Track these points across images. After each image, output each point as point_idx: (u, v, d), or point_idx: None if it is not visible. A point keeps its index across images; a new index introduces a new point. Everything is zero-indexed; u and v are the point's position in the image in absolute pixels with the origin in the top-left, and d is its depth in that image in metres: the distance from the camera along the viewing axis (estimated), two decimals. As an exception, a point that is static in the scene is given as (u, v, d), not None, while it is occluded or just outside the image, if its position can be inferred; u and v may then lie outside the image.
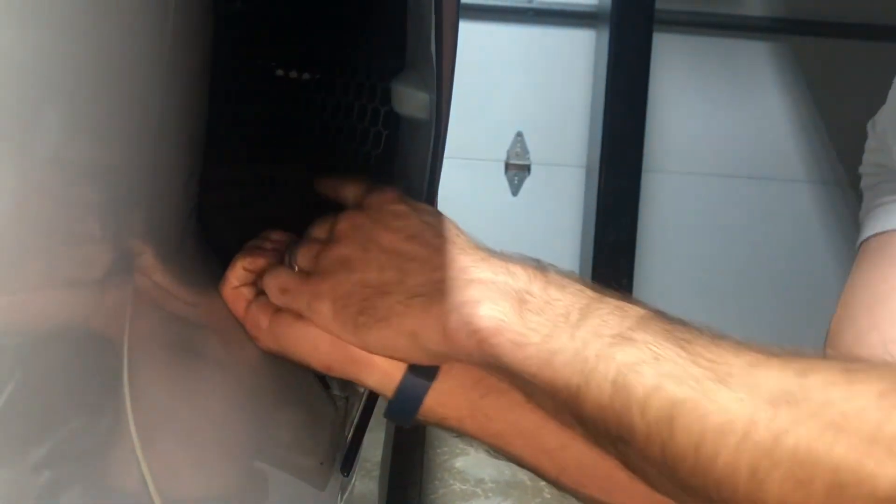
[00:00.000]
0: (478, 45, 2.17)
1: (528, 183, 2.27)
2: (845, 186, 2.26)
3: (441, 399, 0.46)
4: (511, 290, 0.39)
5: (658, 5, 2.05)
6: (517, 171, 2.26)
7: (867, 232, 0.57)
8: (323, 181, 0.51)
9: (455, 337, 0.39)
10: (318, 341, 0.45)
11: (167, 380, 0.38)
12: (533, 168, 2.26)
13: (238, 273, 0.47)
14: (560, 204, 2.26)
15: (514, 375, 0.39)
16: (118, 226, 0.33)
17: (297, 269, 0.46)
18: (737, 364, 0.33)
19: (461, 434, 0.48)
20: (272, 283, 0.46)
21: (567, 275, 0.41)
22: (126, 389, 0.33)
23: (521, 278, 0.40)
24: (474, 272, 0.41)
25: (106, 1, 0.28)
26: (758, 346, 0.34)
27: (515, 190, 2.28)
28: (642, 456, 0.34)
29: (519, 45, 2.21)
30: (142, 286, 0.36)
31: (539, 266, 0.41)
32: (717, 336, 0.35)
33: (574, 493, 0.48)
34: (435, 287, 0.41)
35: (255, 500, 0.41)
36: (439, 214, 0.46)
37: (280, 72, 0.54)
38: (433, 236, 0.43)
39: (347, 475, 0.49)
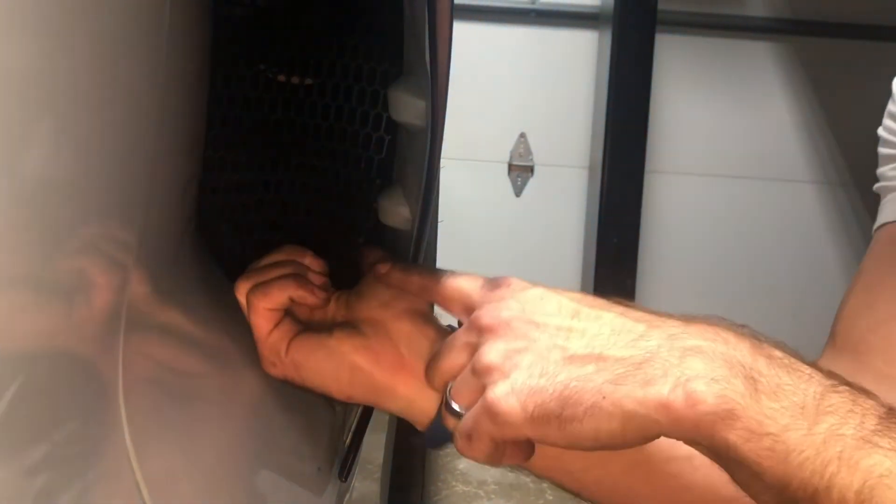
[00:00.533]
0: (480, 47, 2.17)
1: (532, 184, 2.27)
2: (849, 187, 2.25)
3: None
4: (738, 364, 0.35)
5: (661, 6, 2.04)
6: (520, 172, 2.26)
7: (888, 217, 0.56)
8: (410, 279, 0.46)
9: (680, 417, 0.34)
10: (341, 371, 0.45)
11: (162, 386, 0.38)
12: (536, 169, 2.26)
13: (282, 298, 0.45)
14: (563, 205, 2.26)
15: (738, 464, 0.34)
16: (116, 232, 0.34)
17: (457, 407, 0.40)
18: None
19: None
20: (242, 287, 0.45)
21: (782, 348, 0.37)
22: (121, 396, 0.33)
23: (743, 351, 0.36)
24: (687, 339, 0.36)
25: (102, 7, 0.28)
26: None
27: (518, 191, 2.28)
28: None
29: (521, 46, 2.21)
30: (139, 293, 0.36)
31: (752, 335, 0.37)
32: None
33: (592, 502, 0.48)
34: (645, 358, 0.36)
35: (252, 506, 0.41)
36: (577, 292, 0.41)
37: (281, 77, 0.54)
38: (598, 308, 0.39)
39: (345, 480, 0.49)
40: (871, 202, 0.59)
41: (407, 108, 0.46)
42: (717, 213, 2.27)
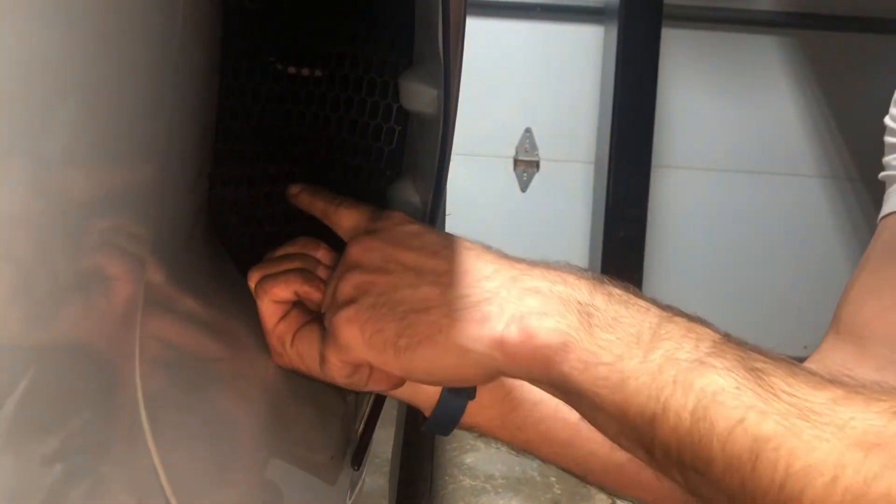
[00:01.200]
0: (486, 42, 2.17)
1: (537, 179, 2.27)
2: (856, 181, 2.25)
3: (473, 411, 0.46)
4: (574, 301, 0.36)
5: (666, 0, 2.04)
6: (526, 167, 2.26)
7: (893, 206, 0.56)
8: (315, 202, 0.48)
9: (515, 352, 0.36)
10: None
11: (178, 376, 0.38)
12: (542, 164, 2.26)
13: (287, 293, 0.45)
14: (569, 200, 2.26)
15: (578, 395, 0.36)
16: (128, 224, 0.34)
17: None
18: (818, 400, 0.31)
19: (488, 437, 0.49)
20: (254, 277, 0.46)
21: (625, 287, 0.38)
22: (138, 385, 0.34)
23: (581, 289, 0.37)
24: (528, 280, 0.37)
25: (118, 1, 0.29)
26: (834, 380, 0.32)
27: (524, 186, 2.28)
28: (717, 487, 0.33)
29: (527, 41, 2.21)
30: (152, 283, 0.36)
31: (595, 277, 0.38)
32: (791, 365, 0.33)
33: (599, 487, 0.48)
34: (485, 297, 0.37)
35: (267, 494, 0.42)
36: (450, 234, 0.43)
37: (291, 69, 0.54)
38: (457, 250, 0.40)
39: (358, 469, 0.49)
40: (878, 196, 0.59)
41: (419, 96, 0.46)
42: (723, 207, 2.26)
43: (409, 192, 0.50)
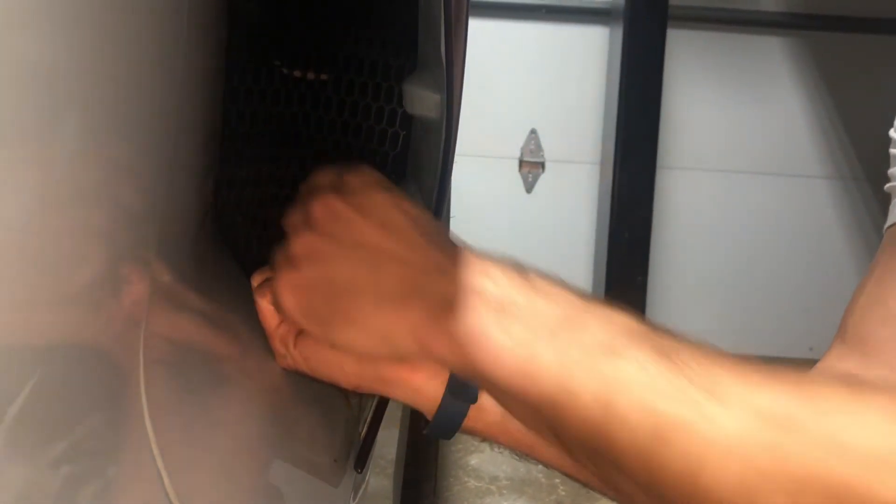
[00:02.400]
0: (491, 43, 2.17)
1: (543, 180, 2.27)
2: (861, 182, 2.24)
3: (474, 415, 0.47)
4: (491, 297, 0.37)
5: (672, 1, 2.04)
6: (531, 168, 2.26)
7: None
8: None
9: (430, 344, 0.38)
10: (343, 362, 0.46)
11: (182, 379, 0.38)
12: (547, 165, 2.26)
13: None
14: (574, 201, 2.26)
15: (491, 385, 0.37)
16: (134, 227, 0.34)
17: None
18: (730, 382, 0.31)
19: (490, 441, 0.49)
20: (256, 279, 0.46)
21: (553, 281, 0.38)
22: (142, 388, 0.34)
23: (502, 284, 0.38)
24: (452, 276, 0.39)
25: (121, 3, 0.29)
26: (749, 363, 0.32)
27: (529, 187, 2.28)
28: (626, 473, 0.33)
29: (532, 42, 2.21)
30: (157, 287, 0.37)
31: (521, 271, 0.39)
32: (706, 350, 0.33)
33: (604, 494, 0.49)
34: (410, 289, 0.38)
35: (270, 498, 0.42)
36: (419, 206, 0.43)
37: (296, 73, 0.55)
38: (413, 230, 0.40)
39: (361, 472, 0.49)
40: (885, 197, 0.59)
41: (422, 101, 0.46)
42: (728, 208, 2.26)
43: (412, 196, 0.50)
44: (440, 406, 0.45)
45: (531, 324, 0.36)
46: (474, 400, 0.46)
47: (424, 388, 0.47)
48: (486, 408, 0.47)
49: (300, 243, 0.41)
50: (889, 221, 0.56)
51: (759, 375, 0.32)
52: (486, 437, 0.49)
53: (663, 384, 0.32)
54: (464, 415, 0.46)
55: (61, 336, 0.28)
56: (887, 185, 0.58)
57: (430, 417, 0.48)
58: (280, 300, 0.41)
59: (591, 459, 0.34)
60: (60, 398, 0.28)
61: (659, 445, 0.31)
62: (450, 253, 0.40)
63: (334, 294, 0.40)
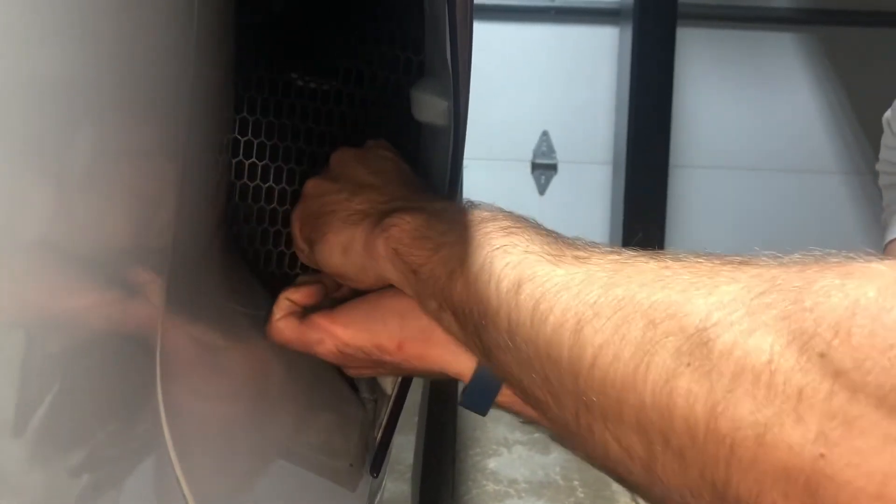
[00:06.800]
0: (501, 46, 2.17)
1: (555, 182, 2.27)
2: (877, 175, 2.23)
3: (507, 389, 0.47)
4: (431, 208, 0.43)
5: (681, -1, 2.04)
6: (544, 170, 2.26)
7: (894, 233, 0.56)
8: None
9: (372, 245, 0.42)
10: (387, 318, 0.47)
11: (198, 386, 0.39)
12: (559, 166, 2.26)
13: (282, 304, 0.48)
14: (588, 202, 2.25)
15: (408, 269, 0.41)
16: (149, 236, 0.34)
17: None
18: (598, 256, 0.35)
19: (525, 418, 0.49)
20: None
21: (493, 206, 0.43)
22: (160, 396, 0.34)
23: (443, 202, 0.44)
24: (410, 200, 0.44)
25: (130, 16, 0.29)
26: (628, 252, 0.35)
27: (542, 189, 2.28)
28: (494, 336, 0.36)
29: (542, 44, 2.21)
30: (173, 295, 0.37)
31: (475, 203, 0.44)
32: (600, 245, 0.37)
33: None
34: (374, 209, 0.44)
35: (287, 502, 0.42)
36: (411, 170, 0.49)
37: (302, 82, 0.55)
38: (397, 175, 0.47)
39: (376, 476, 0.49)
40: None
41: (429, 107, 0.46)
42: (742, 205, 2.25)
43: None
44: (473, 375, 0.45)
45: (454, 225, 0.41)
46: None
47: (463, 356, 0.46)
48: None
49: (312, 183, 0.48)
50: (888, 237, 0.56)
51: (627, 254, 0.35)
52: (522, 413, 0.48)
53: (536, 249, 0.36)
54: (498, 386, 0.46)
55: (78, 348, 0.28)
56: (880, 181, 0.57)
57: (465, 381, 0.47)
58: (292, 230, 0.48)
59: (477, 335, 0.38)
60: (82, 409, 0.28)
61: (515, 295, 0.35)
62: (417, 188, 0.46)
63: (319, 216, 0.46)
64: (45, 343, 0.26)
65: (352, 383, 0.53)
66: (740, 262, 0.32)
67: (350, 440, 0.50)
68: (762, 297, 0.28)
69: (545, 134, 2.25)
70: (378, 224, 0.43)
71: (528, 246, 0.37)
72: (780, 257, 0.31)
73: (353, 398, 0.51)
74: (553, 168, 2.26)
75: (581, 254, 0.35)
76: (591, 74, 2.20)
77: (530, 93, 2.22)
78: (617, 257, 0.34)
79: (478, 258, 0.38)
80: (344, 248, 0.44)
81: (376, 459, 0.50)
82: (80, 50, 0.25)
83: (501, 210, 0.42)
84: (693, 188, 2.23)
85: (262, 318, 0.48)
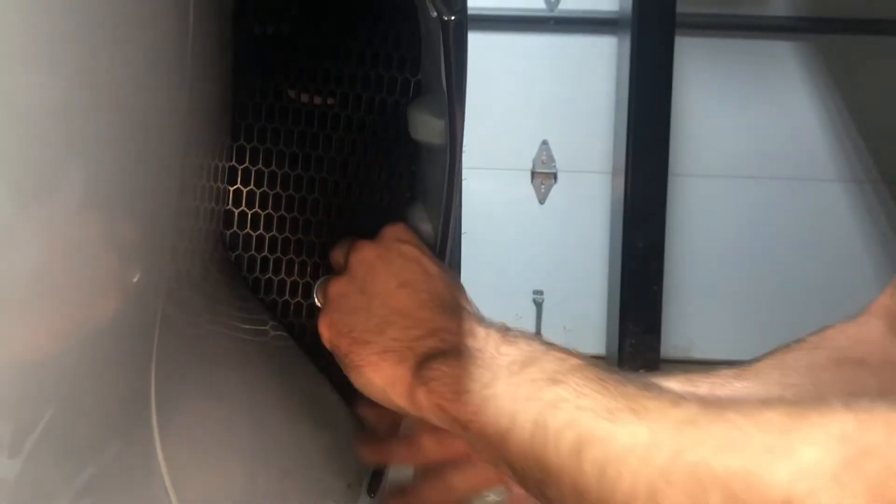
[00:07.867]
0: (501, 56, 2.17)
1: (555, 191, 2.27)
2: (878, 184, 2.23)
3: None
4: (466, 349, 0.41)
5: (679, 8, 2.03)
6: (544, 179, 2.26)
7: None
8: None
9: (414, 394, 0.41)
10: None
11: (193, 406, 0.39)
12: (559, 176, 2.26)
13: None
14: (588, 211, 2.25)
15: (456, 424, 0.39)
16: (146, 253, 0.34)
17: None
18: (655, 404, 0.33)
19: None
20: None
21: (527, 335, 0.42)
22: (154, 416, 0.34)
23: (479, 338, 0.42)
24: (445, 336, 0.43)
25: (126, 35, 0.29)
26: (684, 397, 0.34)
27: (542, 198, 2.28)
28: (558, 496, 0.34)
29: (541, 54, 2.21)
30: (169, 313, 0.37)
31: (501, 328, 0.43)
32: (647, 384, 0.35)
33: None
34: (408, 345, 0.42)
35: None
36: (441, 264, 0.47)
37: (302, 97, 0.55)
38: (424, 287, 0.45)
39: (374, 497, 0.49)
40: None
41: (425, 126, 0.46)
42: (742, 214, 2.25)
43: (420, 219, 0.50)
44: None
45: (493, 367, 0.39)
46: None
47: None
48: None
49: (336, 284, 0.46)
50: None
51: (685, 401, 0.33)
52: None
53: (590, 403, 0.34)
54: None
55: (72, 366, 0.28)
56: None
57: None
58: (321, 336, 0.46)
59: (538, 489, 0.36)
60: (78, 428, 0.28)
61: (577, 458, 0.33)
62: (448, 313, 0.44)
63: (353, 341, 0.44)
64: (42, 365, 0.26)
65: (349, 401, 0.52)
66: (813, 413, 0.30)
67: (347, 460, 0.49)
68: (848, 463, 0.27)
69: (545, 143, 2.25)
70: (417, 372, 0.41)
71: (578, 400, 0.35)
72: (848, 404, 0.30)
73: (351, 418, 0.51)
74: (553, 177, 2.26)
75: (635, 406, 0.34)
76: (591, 83, 2.20)
77: (530, 102, 2.23)
78: (678, 413, 0.33)
79: (529, 415, 0.36)
80: (383, 388, 0.43)
81: (374, 480, 0.50)
82: (81, 75, 0.26)
83: (540, 342, 0.41)
84: (693, 197, 2.23)
85: (261, 338, 0.48)
